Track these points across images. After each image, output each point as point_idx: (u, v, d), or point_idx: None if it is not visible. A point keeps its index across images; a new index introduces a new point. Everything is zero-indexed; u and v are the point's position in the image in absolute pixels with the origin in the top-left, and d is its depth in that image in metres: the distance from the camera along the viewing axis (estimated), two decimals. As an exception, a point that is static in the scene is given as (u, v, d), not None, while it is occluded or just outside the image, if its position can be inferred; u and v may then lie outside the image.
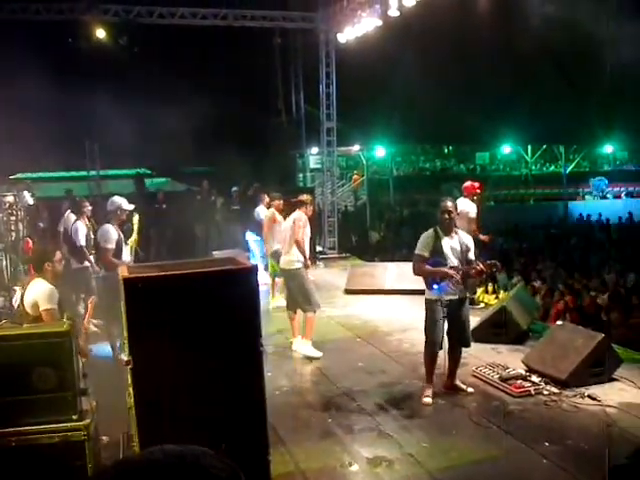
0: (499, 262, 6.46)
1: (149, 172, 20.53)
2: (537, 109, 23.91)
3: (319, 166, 19.50)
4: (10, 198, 8.86)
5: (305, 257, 7.45)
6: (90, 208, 9.03)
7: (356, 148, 27.19)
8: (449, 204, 5.91)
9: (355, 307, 9.83)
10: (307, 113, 17.99)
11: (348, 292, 10.68)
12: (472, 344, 6.33)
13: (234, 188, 14.46)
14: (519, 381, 6.05)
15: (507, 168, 38.10)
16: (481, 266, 5.87)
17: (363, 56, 15.13)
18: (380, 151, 30.27)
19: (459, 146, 37.36)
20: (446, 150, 39.63)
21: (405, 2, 11.80)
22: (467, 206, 8.95)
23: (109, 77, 14.43)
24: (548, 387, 5.96)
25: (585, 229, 23.13)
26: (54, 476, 3.82)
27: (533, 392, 5.89)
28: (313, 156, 22.50)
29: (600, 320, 9.59)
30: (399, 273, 10.08)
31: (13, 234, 8.76)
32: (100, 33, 13.75)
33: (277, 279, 9.76)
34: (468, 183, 9.38)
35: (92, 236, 8.55)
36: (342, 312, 9.55)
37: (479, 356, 6.95)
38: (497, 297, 10.54)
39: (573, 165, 35.70)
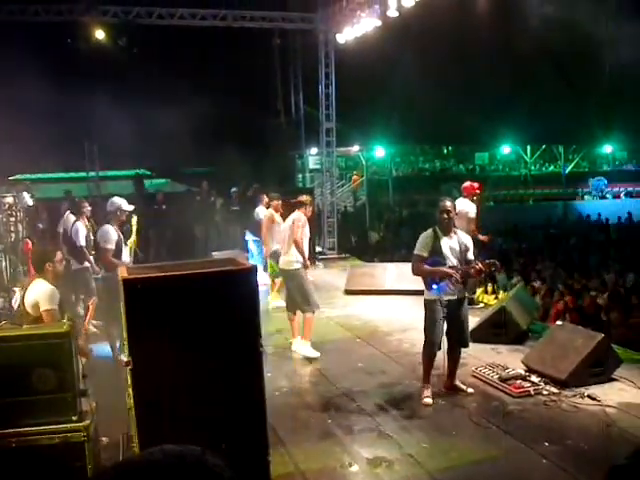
0: (498, 262, 6.46)
1: (148, 173, 20.52)
2: (536, 109, 23.94)
3: (318, 167, 19.50)
4: (9, 199, 8.87)
5: (304, 257, 7.45)
6: (89, 209, 9.03)
7: (355, 149, 27.20)
8: (448, 204, 5.91)
9: (355, 307, 9.83)
10: (306, 114, 17.99)
11: (348, 292, 10.68)
12: (472, 344, 6.34)
13: (233, 189, 14.47)
14: (519, 381, 6.05)
15: (506, 168, 38.13)
16: (480, 266, 5.87)
17: (362, 57, 15.14)
18: (379, 151, 30.29)
19: (458, 146, 37.40)
20: (445, 150, 39.65)
21: (404, 3, 11.81)
22: (467, 206, 8.96)
23: (108, 78, 14.43)
24: (548, 387, 5.96)
25: (584, 229, 23.13)
26: (54, 477, 3.82)
27: (533, 392, 5.89)
28: (312, 156, 22.51)
29: (600, 320, 9.59)
30: (399, 273, 10.09)
31: (12, 235, 8.76)
32: (99, 34, 13.75)
33: (276, 280, 9.76)
34: (467, 183, 9.39)
35: (92, 237, 8.56)
36: (342, 312, 9.56)
37: (479, 356, 6.95)
38: (496, 297, 10.55)
39: (572, 165, 35.75)
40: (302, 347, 7.40)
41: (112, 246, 6.89)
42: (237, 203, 14.04)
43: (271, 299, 9.80)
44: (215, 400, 3.64)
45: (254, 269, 3.90)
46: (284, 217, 8.58)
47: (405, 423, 5.47)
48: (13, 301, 7.37)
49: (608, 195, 34.15)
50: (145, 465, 1.00)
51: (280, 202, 9.95)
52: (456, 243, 5.85)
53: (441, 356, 6.00)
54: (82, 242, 8.55)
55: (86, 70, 14.44)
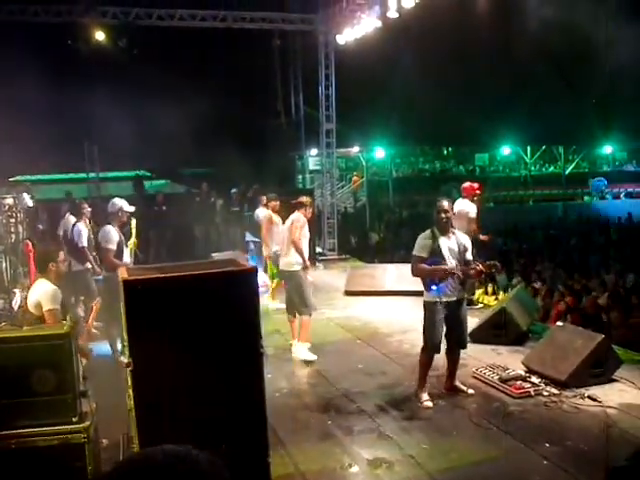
0: (499, 263, 6.46)
1: (148, 174, 20.54)
2: (536, 110, 23.95)
3: (318, 167, 19.52)
4: (10, 200, 8.87)
5: (303, 258, 7.42)
6: (89, 210, 9.03)
7: (355, 149, 27.22)
8: (445, 204, 5.89)
9: (355, 308, 9.82)
10: (306, 115, 18.00)
11: (348, 293, 10.68)
12: (472, 345, 6.35)
13: (234, 190, 14.47)
14: (519, 382, 6.05)
15: (506, 169, 38.14)
16: (480, 267, 5.86)
17: (362, 58, 15.14)
18: (379, 152, 30.30)
19: (458, 147, 37.40)
20: (445, 151, 39.65)
21: (404, 3, 11.80)
22: (467, 206, 8.97)
23: (108, 79, 14.43)
24: (548, 388, 5.96)
25: (584, 230, 23.12)
26: (54, 479, 3.81)
27: (533, 393, 5.89)
28: (312, 157, 22.55)
29: (601, 321, 9.58)
30: (399, 274, 10.08)
31: (13, 236, 8.76)
32: (99, 35, 13.75)
33: (274, 281, 9.77)
34: (467, 184, 9.39)
35: (92, 238, 8.56)
36: (342, 314, 9.55)
37: (479, 357, 6.95)
38: (497, 298, 10.54)
39: (572, 166, 35.76)
40: (300, 351, 7.38)
41: (113, 246, 6.91)
42: (237, 204, 14.04)
43: (268, 300, 9.76)
44: (215, 401, 3.64)
45: (254, 270, 3.90)
46: (284, 218, 8.57)
47: (405, 424, 5.47)
48: (13, 302, 7.38)
49: (608, 196, 34.15)
50: (145, 466, 1.00)
51: (278, 203, 9.94)
52: (455, 243, 5.83)
53: (441, 357, 6.00)
54: (84, 243, 8.56)
55: (86, 71, 14.46)
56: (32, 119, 13.15)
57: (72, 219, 9.20)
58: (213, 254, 10.92)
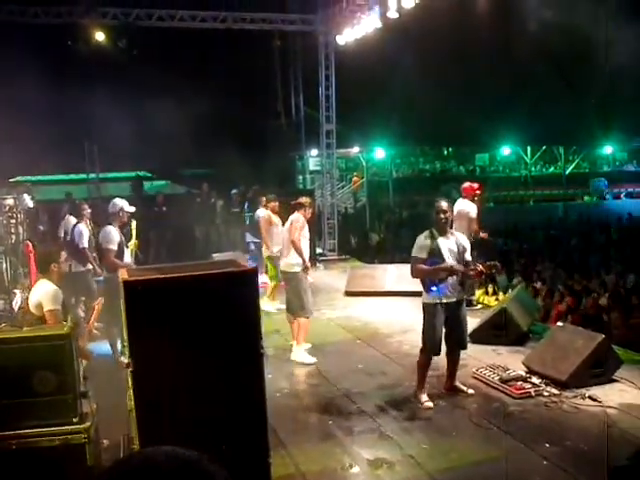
0: (499, 263, 6.45)
1: (149, 175, 20.56)
2: (536, 110, 23.94)
3: (319, 168, 19.52)
4: (10, 201, 8.88)
5: (303, 259, 7.40)
6: (89, 211, 9.04)
7: (355, 150, 27.22)
8: (443, 204, 5.88)
9: (355, 309, 9.82)
10: (306, 115, 18.01)
11: (348, 294, 10.68)
12: (472, 346, 6.35)
13: (234, 190, 14.47)
14: (519, 382, 6.05)
15: (507, 169, 38.14)
16: (481, 267, 5.86)
17: (362, 58, 15.14)
18: (379, 153, 30.29)
19: (458, 148, 37.42)
20: (445, 152, 39.67)
21: (404, 4, 11.80)
22: (467, 206, 8.98)
23: (108, 80, 14.44)
24: (548, 388, 5.96)
25: (585, 230, 23.11)
26: (54, 479, 3.82)
27: (533, 393, 5.89)
28: (313, 158, 22.54)
29: (602, 321, 9.59)
30: (399, 275, 10.08)
31: (13, 237, 8.77)
32: (99, 36, 13.75)
33: (271, 282, 9.77)
34: (467, 184, 9.40)
35: (92, 238, 8.57)
36: (342, 314, 9.55)
37: (479, 357, 6.95)
38: (497, 299, 10.54)
39: (573, 166, 35.75)
40: (298, 354, 7.37)
41: (114, 246, 6.91)
42: (237, 205, 14.04)
43: (270, 301, 9.75)
44: (216, 402, 3.64)
45: (255, 271, 3.90)
46: (284, 219, 8.57)
47: (406, 424, 5.47)
48: (14, 303, 7.39)
49: (608, 196, 34.15)
50: (145, 466, 1.00)
51: (277, 203, 9.93)
52: (454, 244, 5.82)
53: (441, 357, 6.00)
54: (85, 244, 8.56)
55: (86, 72, 14.47)
56: (32, 120, 13.16)
57: (72, 220, 9.20)
58: (213, 255, 10.94)
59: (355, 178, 29.23)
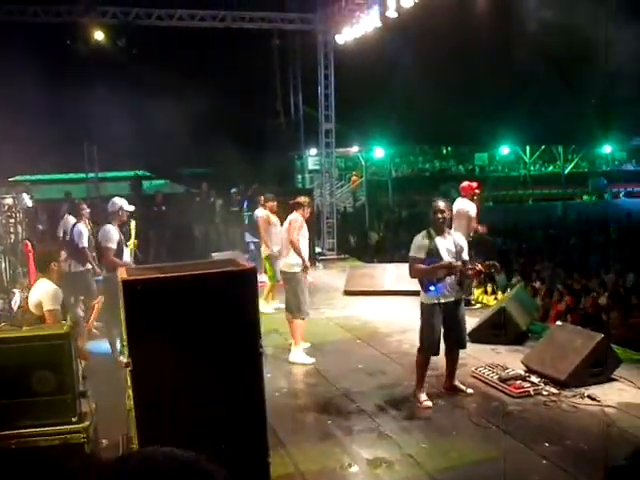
0: (498, 263, 6.45)
1: (148, 174, 20.56)
2: (535, 110, 23.97)
3: (318, 167, 19.51)
4: (9, 200, 8.87)
5: (302, 258, 7.39)
6: (88, 211, 9.03)
7: (355, 149, 27.23)
8: (441, 204, 5.86)
9: (354, 308, 9.82)
10: (306, 114, 18.01)
11: (347, 293, 10.67)
12: (471, 345, 6.34)
13: (233, 189, 14.47)
14: (518, 382, 6.05)
15: (506, 169, 38.20)
16: (479, 267, 5.86)
17: (361, 57, 15.14)
18: (379, 152, 30.31)
19: (458, 147, 37.47)
20: (445, 151, 39.72)
21: (403, 3, 11.79)
22: (466, 205, 8.98)
23: (108, 79, 14.44)
24: (547, 387, 5.96)
25: (584, 229, 23.12)
26: (54, 478, 3.82)
27: (532, 392, 5.89)
28: (312, 157, 22.55)
29: (601, 320, 9.59)
30: (398, 274, 10.07)
31: (12, 236, 8.77)
32: (98, 35, 13.74)
33: (269, 283, 9.76)
34: (465, 183, 9.40)
35: (92, 238, 8.56)
36: (341, 313, 9.55)
37: (478, 357, 6.95)
38: (496, 298, 10.55)
39: (572, 165, 35.79)
40: (296, 355, 7.35)
41: (114, 245, 6.91)
42: (237, 204, 14.04)
43: (268, 301, 9.72)
44: (215, 401, 3.64)
45: (254, 270, 3.90)
46: (282, 219, 8.55)
47: (405, 424, 5.47)
48: (13, 302, 7.39)
49: (607, 195, 34.18)
50: (143, 467, 1.00)
51: (275, 203, 9.91)
52: (452, 244, 5.80)
53: (440, 357, 6.00)
54: (84, 244, 8.56)
55: (85, 71, 14.47)
56: (31, 119, 13.17)
57: (71, 219, 9.19)
58: (212, 254, 10.93)
59: (354, 177, 29.24)
